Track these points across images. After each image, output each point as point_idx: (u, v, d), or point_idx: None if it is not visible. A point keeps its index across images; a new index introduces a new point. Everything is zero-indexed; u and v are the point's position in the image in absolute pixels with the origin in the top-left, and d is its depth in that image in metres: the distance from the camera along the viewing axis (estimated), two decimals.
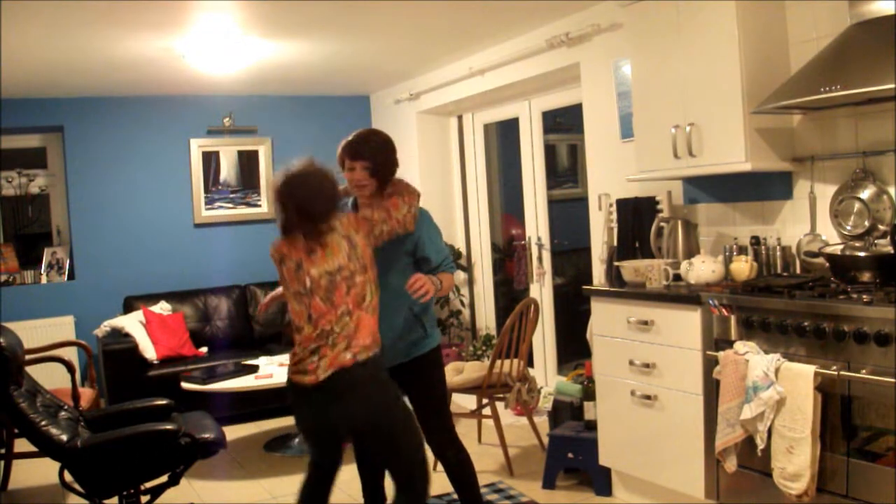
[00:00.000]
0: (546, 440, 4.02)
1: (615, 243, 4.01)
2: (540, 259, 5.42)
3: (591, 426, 3.71)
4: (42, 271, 5.96)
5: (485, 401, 4.39)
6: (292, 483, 2.94)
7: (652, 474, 3.34)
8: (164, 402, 3.52)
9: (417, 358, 2.97)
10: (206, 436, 3.19)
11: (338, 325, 2.58)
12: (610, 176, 4.23)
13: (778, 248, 3.26)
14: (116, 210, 6.04)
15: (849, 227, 3.02)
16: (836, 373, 2.48)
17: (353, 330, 2.59)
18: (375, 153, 2.82)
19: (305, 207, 2.60)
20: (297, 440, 4.74)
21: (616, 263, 3.66)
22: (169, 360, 5.35)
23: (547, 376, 5.41)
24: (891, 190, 2.91)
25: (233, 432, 5.08)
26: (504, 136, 6.06)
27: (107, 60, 4.73)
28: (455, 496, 3.09)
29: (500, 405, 4.39)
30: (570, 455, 3.78)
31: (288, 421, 4.89)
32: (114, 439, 3.04)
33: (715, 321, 2.97)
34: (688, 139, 3.25)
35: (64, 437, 3.00)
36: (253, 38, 4.47)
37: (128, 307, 5.76)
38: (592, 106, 4.38)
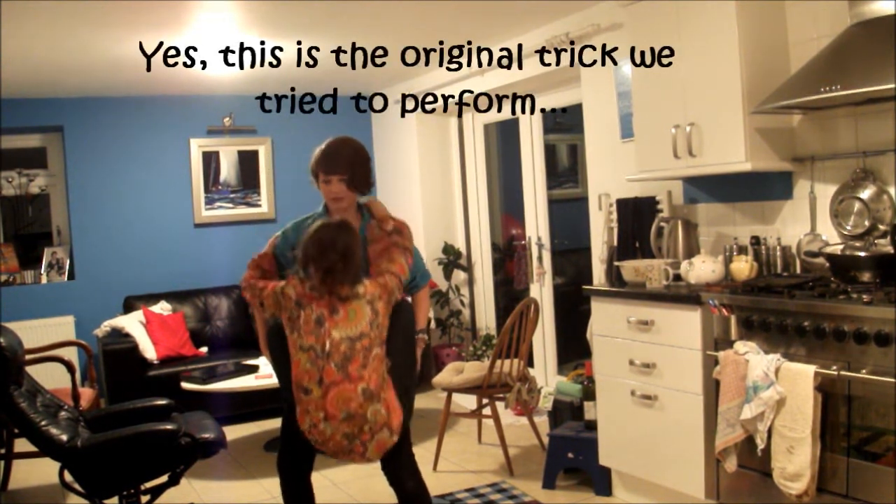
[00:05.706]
0: (546, 440, 4.01)
1: (615, 243, 4.01)
2: (540, 259, 5.42)
3: (591, 426, 3.71)
4: (42, 271, 5.96)
5: (485, 401, 4.39)
6: None
7: (652, 474, 3.34)
8: (164, 402, 3.52)
9: None
10: (206, 436, 3.19)
11: (370, 414, 2.37)
12: (610, 176, 4.23)
13: (778, 248, 3.26)
14: (116, 210, 6.04)
15: (849, 227, 3.02)
16: (836, 373, 2.48)
17: (385, 417, 2.41)
18: (351, 164, 2.73)
19: (351, 254, 2.42)
20: None
21: (616, 263, 3.66)
22: (169, 360, 5.35)
23: (547, 376, 5.41)
24: (891, 190, 2.91)
25: (233, 432, 5.07)
26: (504, 136, 6.06)
27: (107, 60, 4.73)
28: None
29: (500, 405, 4.39)
30: (570, 455, 3.78)
31: None
32: (114, 439, 3.03)
33: (715, 321, 2.97)
34: (688, 139, 3.25)
35: (64, 437, 3.00)
36: (253, 38, 4.47)
37: (128, 307, 5.76)
38: (592, 106, 4.38)
